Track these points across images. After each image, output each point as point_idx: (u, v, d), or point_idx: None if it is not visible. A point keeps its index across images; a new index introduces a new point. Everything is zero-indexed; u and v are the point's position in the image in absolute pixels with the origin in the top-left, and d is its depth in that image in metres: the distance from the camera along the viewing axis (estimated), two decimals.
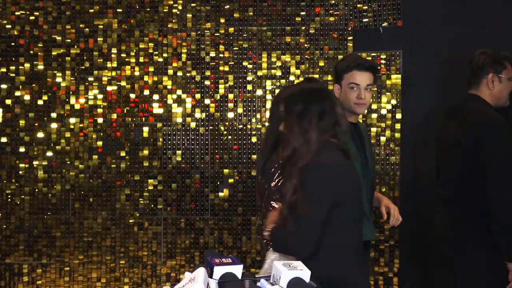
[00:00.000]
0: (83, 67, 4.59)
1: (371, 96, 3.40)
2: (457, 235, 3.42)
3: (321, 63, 4.54)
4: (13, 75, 4.62)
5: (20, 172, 4.60)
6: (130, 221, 4.61)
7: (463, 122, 3.44)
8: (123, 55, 4.61)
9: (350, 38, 4.53)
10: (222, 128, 4.56)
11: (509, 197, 3.25)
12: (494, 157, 3.27)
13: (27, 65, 4.63)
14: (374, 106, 4.47)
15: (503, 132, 3.36)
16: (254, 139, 4.54)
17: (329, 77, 4.51)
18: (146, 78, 4.60)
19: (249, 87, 4.54)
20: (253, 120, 4.54)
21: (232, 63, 4.57)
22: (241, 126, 4.56)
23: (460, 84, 4.23)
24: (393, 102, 4.47)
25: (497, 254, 3.29)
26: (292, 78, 4.54)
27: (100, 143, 4.60)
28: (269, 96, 4.54)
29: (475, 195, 3.33)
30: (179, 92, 4.60)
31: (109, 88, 4.61)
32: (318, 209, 2.42)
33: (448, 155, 3.50)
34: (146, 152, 4.59)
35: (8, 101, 4.62)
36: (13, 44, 4.59)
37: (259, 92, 4.56)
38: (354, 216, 2.55)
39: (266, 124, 4.24)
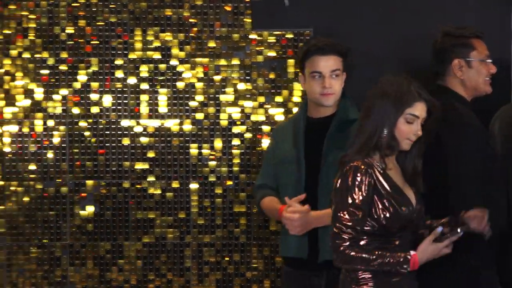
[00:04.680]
0: None
1: (340, 84, 3.58)
2: None
3: (212, 44, 4.43)
4: None
5: None
6: None
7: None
8: None
9: (248, 12, 4.41)
10: (83, 126, 4.36)
11: (470, 202, 3.27)
12: (455, 157, 3.33)
13: None
14: (279, 99, 4.30)
15: (469, 132, 3.41)
16: (126, 141, 4.38)
17: (222, 61, 4.40)
18: None
19: (119, 73, 4.36)
20: (124, 116, 4.35)
21: (96, 42, 4.37)
22: (108, 124, 4.37)
23: (387, 71, 4.19)
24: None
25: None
26: (174, 62, 4.42)
27: None
28: (145, 86, 4.38)
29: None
30: (25, 80, 4.37)
31: None
32: None
33: None
34: None
35: None
36: None
37: (131, 80, 4.38)
38: None
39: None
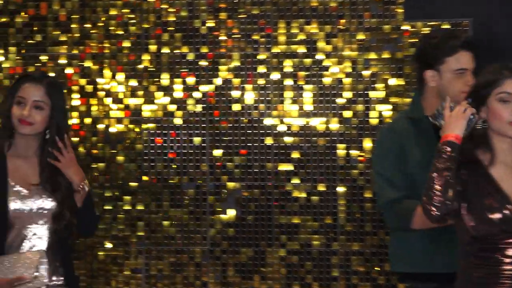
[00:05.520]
0: (33, 42, 4.39)
1: None
2: None
3: (361, 36, 4.30)
4: None
5: None
6: (100, 253, 4.31)
7: None
8: (88, 25, 4.40)
9: (400, 1, 4.27)
10: (224, 125, 4.32)
11: None
12: None
13: None
14: None
15: None
16: (269, 141, 4.31)
17: (371, 55, 4.28)
18: (119, 56, 4.37)
19: (262, 68, 4.32)
20: (267, 114, 4.31)
21: (238, 36, 4.33)
22: (250, 123, 4.32)
23: None
24: None
25: None
26: (320, 56, 4.31)
27: None
28: (289, 82, 4.30)
29: None
30: (164, 76, 4.35)
31: (68, 71, 4.39)
32: None
33: None
34: (120, 158, 4.34)
35: None
36: None
37: (275, 75, 4.32)
38: None
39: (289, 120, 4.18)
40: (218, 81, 4.33)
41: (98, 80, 4.36)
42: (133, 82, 4.34)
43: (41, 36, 4.37)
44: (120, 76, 4.35)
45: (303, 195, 4.26)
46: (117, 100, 4.34)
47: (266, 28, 4.32)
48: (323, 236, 4.25)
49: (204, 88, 4.33)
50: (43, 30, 4.37)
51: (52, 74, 4.30)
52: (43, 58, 4.37)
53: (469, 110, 2.58)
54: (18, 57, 4.37)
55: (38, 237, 2.69)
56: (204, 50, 4.33)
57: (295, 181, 4.27)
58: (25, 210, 2.66)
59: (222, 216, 4.31)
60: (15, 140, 2.70)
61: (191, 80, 4.34)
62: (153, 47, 4.35)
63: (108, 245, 4.32)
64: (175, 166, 4.31)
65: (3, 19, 4.37)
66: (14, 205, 2.64)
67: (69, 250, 2.82)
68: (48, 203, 2.69)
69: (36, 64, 4.35)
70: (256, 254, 4.29)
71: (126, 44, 4.36)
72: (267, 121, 4.30)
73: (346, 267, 4.22)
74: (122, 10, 4.36)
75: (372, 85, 4.25)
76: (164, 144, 4.32)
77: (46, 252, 2.66)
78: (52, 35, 4.37)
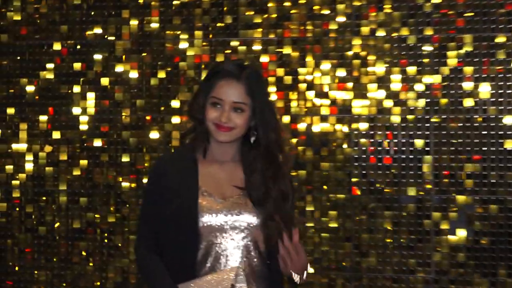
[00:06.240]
0: (222, 25, 4.13)
1: None
2: None
3: None
4: (112, 38, 4.22)
5: (123, 195, 4.14)
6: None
7: None
8: (287, 4, 4.09)
9: None
10: (453, 124, 3.87)
11: None
12: None
13: (133, 23, 4.20)
14: None
15: None
16: (509, 144, 3.83)
17: None
18: (324, 41, 4.00)
19: (501, 54, 3.87)
20: (508, 111, 3.81)
21: (471, 14, 3.90)
22: (486, 121, 3.83)
23: None
24: None
25: None
26: None
27: None
28: None
29: None
30: (379, 64, 3.94)
31: (263, 59, 4.07)
32: None
33: None
34: (325, 164, 3.89)
35: (105, 81, 4.19)
36: None
37: None
38: None
39: None
40: (445, 71, 3.90)
41: (299, 69, 4.01)
42: (341, 72, 3.96)
43: (232, 18, 4.10)
44: (326, 65, 3.95)
45: None
46: (322, 94, 3.97)
47: (506, 4, 3.89)
48: None
49: (428, 79, 3.91)
50: (233, 11, 4.11)
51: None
52: (234, 43, 4.08)
53: None
54: (204, 43, 4.05)
55: (232, 255, 2.36)
56: (429, 32, 3.93)
57: None
58: (219, 224, 2.35)
59: (450, 237, 3.86)
60: (210, 144, 2.40)
61: (412, 69, 3.93)
62: (365, 29, 3.97)
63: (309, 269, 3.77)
64: (392, 174, 3.83)
65: None
66: (206, 218, 2.33)
67: (279, 275, 2.37)
68: (247, 217, 2.34)
69: (225, 52, 4.04)
70: (493, 285, 3.81)
71: (333, 26, 3.98)
72: (507, 120, 3.84)
73: None
74: None
75: None
76: (378, 148, 3.89)
77: (246, 272, 2.33)
78: (245, 17, 4.09)
